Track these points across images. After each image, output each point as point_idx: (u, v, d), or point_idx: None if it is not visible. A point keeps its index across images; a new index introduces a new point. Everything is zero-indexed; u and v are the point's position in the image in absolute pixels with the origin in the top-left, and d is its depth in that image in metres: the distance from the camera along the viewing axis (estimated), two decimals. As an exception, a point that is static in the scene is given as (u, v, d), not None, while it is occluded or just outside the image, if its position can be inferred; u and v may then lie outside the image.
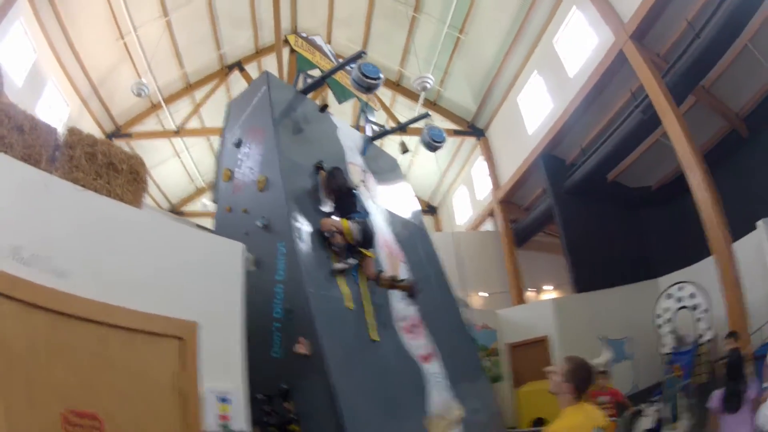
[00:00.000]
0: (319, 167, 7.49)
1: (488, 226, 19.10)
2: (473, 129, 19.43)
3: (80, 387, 3.42)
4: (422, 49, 17.87)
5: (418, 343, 6.92)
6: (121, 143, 18.74)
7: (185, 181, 24.08)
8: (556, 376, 3.78)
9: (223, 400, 4.39)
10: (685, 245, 12.30)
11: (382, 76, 8.00)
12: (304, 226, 6.55)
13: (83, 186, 4.18)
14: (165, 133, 19.82)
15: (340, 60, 9.67)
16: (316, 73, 9.37)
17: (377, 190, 8.79)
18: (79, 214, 3.86)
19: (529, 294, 17.49)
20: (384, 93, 19.46)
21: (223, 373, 4.50)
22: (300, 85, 9.05)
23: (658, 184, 14.42)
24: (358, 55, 8.35)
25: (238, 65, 20.20)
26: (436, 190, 23.94)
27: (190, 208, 24.46)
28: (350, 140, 9.14)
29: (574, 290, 14.00)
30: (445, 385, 6.73)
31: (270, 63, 19.11)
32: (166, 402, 4.00)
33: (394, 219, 8.61)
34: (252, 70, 20.20)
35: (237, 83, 20.13)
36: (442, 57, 17.72)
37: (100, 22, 15.82)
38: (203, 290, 4.58)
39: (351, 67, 8.47)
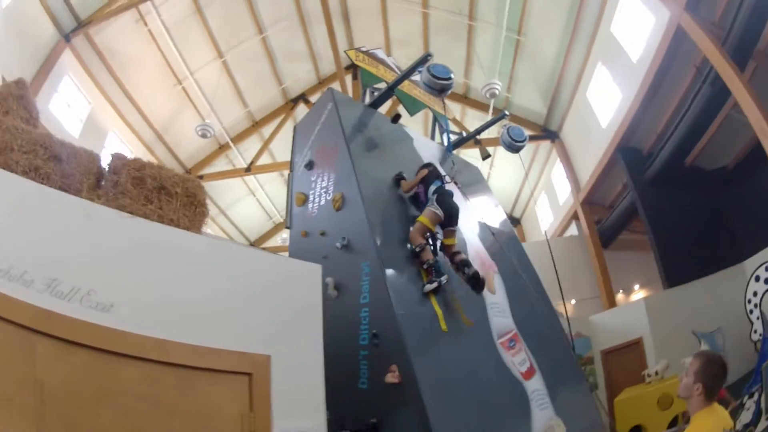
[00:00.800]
0: (399, 179, 7.19)
1: (573, 230, 18.61)
2: (547, 132, 19.19)
3: (125, 428, 3.11)
4: (484, 58, 17.88)
5: (519, 359, 6.38)
6: None
7: (263, 218, 24.77)
8: (686, 376, 3.46)
9: None
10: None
11: (453, 75, 7.85)
12: (387, 242, 6.19)
13: (130, 212, 3.86)
14: (236, 172, 20.41)
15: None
16: (382, 86, 9.17)
17: (464, 201, 8.15)
18: (125, 242, 3.53)
19: (620, 297, 16.89)
20: (453, 107, 19.42)
21: (301, 410, 3.97)
22: (367, 100, 9.03)
23: (734, 162, 13.68)
24: (425, 58, 8.18)
25: (302, 97, 20.65)
26: (517, 201, 23.68)
27: (269, 244, 25.03)
28: (428, 151, 8.81)
29: (665, 286, 13.44)
30: (547, 402, 6.26)
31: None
32: None
33: (483, 230, 8.22)
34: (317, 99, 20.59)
35: (303, 115, 20.41)
36: (505, 62, 17.61)
37: (153, 69, 16.66)
38: (276, 319, 4.10)
39: (420, 72, 8.28)
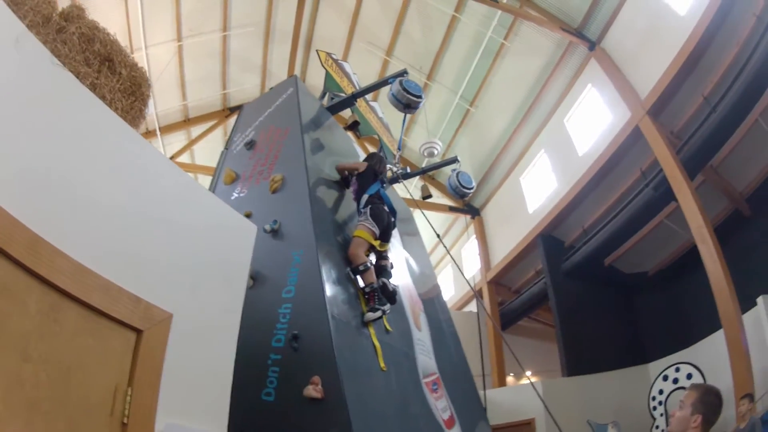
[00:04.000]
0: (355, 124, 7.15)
1: (472, 307, 18.61)
2: (469, 207, 19.32)
3: None
4: (431, 118, 17.90)
5: (441, 405, 5.82)
6: None
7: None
8: (679, 410, 3.16)
9: None
10: (678, 330, 12.25)
11: (423, 96, 7.67)
12: (326, 235, 5.57)
13: (63, 64, 2.90)
14: (155, 163, 19.37)
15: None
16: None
17: (398, 234, 7.76)
18: (46, 91, 2.63)
19: (510, 379, 16.93)
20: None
21: (198, 405, 2.94)
22: (325, 103, 8.69)
23: (655, 269, 14.19)
24: (401, 73, 7.79)
25: (240, 108, 20.05)
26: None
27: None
28: None
29: (564, 373, 13.54)
30: None
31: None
32: (102, 404, 2.40)
33: (412, 269, 7.84)
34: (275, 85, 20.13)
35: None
36: (449, 129, 17.83)
37: (113, 30, 15.58)
38: (191, 272, 3.15)
39: (390, 82, 7.73)
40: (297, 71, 18.88)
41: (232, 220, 3.82)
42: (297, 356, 4.43)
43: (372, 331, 5.19)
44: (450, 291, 20.86)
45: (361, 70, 18.06)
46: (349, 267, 5.48)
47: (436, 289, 8.63)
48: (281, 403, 4.26)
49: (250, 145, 7.50)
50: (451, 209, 19.33)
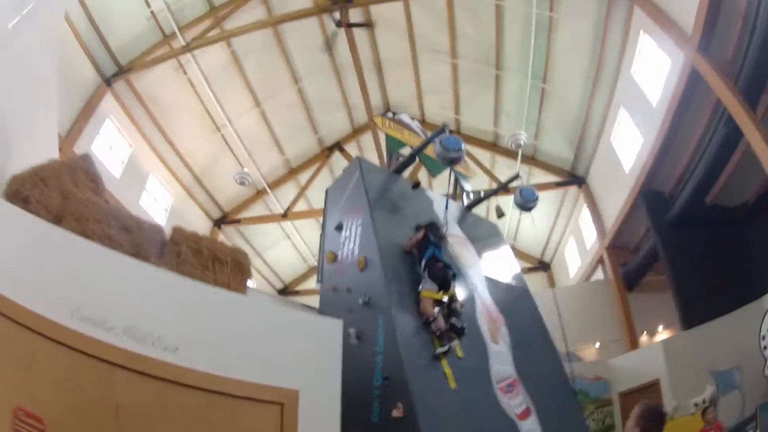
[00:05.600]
0: (419, 227, 7.94)
1: (599, 274, 18.28)
2: (574, 178, 18.95)
3: None
4: (512, 106, 17.94)
5: (515, 402, 7.06)
6: (229, 229, 20.07)
7: (297, 261, 24.87)
8: (630, 420, 4.13)
9: None
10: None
11: (463, 147, 8.31)
12: (401, 302, 7.01)
13: (190, 277, 4.94)
14: (273, 218, 20.65)
15: (428, 133, 10.15)
16: (407, 150, 9.96)
17: (477, 257, 9.20)
18: (187, 300, 4.63)
19: (644, 338, 16.47)
20: (482, 155, 19.51)
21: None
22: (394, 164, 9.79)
23: (755, 196, 13.19)
24: (441, 130, 8.74)
25: (338, 146, 20.95)
26: (547, 246, 23.37)
27: (303, 286, 25.14)
28: (447, 212, 9.36)
29: (684, 327, 13.08)
30: None
31: (368, 140, 19.78)
32: None
33: (495, 285, 8.89)
34: (351, 149, 20.97)
35: (338, 163, 20.88)
36: (532, 110, 17.57)
37: (193, 116, 17.16)
38: (305, 362, 5.09)
39: (433, 142, 8.77)
40: (376, 96, 19.52)
41: (323, 321, 5.91)
42: (389, 390, 6.21)
43: (444, 360, 6.65)
44: (577, 263, 20.59)
45: (433, 79, 18.56)
46: (423, 320, 6.94)
47: (524, 293, 9.53)
48: (383, 423, 6.06)
49: (339, 227, 8.70)
50: (558, 185, 19.06)
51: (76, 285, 4.00)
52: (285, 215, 20.24)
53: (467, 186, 11.01)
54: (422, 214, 8.70)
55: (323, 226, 9.56)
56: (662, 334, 16.14)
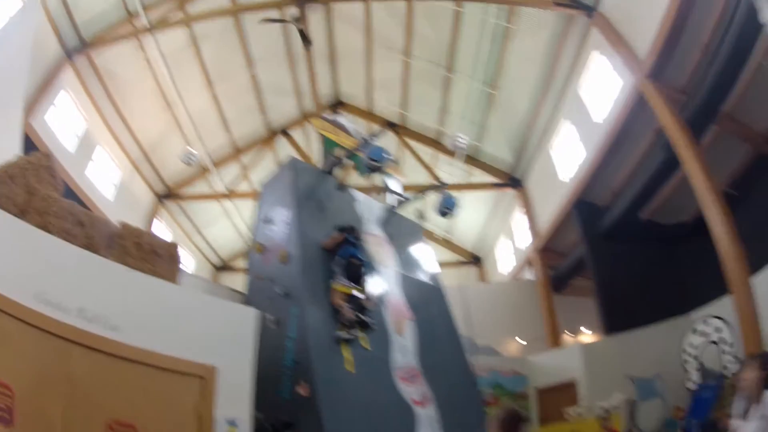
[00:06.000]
0: (341, 230, 8.72)
1: (529, 274, 19.02)
2: (511, 180, 19.59)
3: (125, 406, 4.93)
4: (458, 107, 18.31)
5: (413, 389, 7.94)
6: (172, 204, 20.10)
7: (236, 240, 24.73)
8: (491, 427, 4.85)
9: (232, 423, 5.74)
10: (719, 277, 11.85)
11: (385, 156, 9.30)
12: (314, 294, 7.86)
13: (133, 268, 5.71)
14: (215, 195, 20.54)
15: (366, 135, 10.78)
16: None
17: (394, 256, 10.05)
18: (129, 287, 5.47)
19: (567, 338, 17.29)
20: (424, 151, 19.92)
21: (234, 404, 5.83)
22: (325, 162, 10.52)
23: (693, 217, 13.82)
24: (367, 141, 9.73)
25: (284, 131, 20.98)
26: (481, 241, 24.04)
27: (240, 264, 25.04)
28: (369, 211, 10.48)
29: (605, 333, 13.88)
30: (437, 426, 7.74)
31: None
32: (188, 422, 5.42)
33: (408, 282, 9.81)
34: (297, 135, 20.96)
35: (283, 148, 21.17)
36: (478, 113, 18.04)
37: (147, 93, 17.02)
38: (223, 343, 6.02)
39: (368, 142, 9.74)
40: (327, 85, 19.63)
41: (241, 309, 6.79)
42: (297, 371, 7.09)
43: (345, 347, 7.54)
44: (508, 260, 21.34)
45: (385, 75, 18.74)
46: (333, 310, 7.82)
47: (438, 291, 10.53)
48: (292, 398, 6.94)
49: (268, 221, 9.55)
50: (495, 185, 19.67)
51: (38, 272, 4.72)
52: (228, 194, 20.21)
53: (396, 187, 11.41)
54: (347, 212, 9.63)
55: (256, 218, 10.24)
56: (585, 336, 16.96)
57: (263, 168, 20.17)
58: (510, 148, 18.80)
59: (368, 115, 21.04)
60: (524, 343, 17.00)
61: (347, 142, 10.40)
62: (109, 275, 5.36)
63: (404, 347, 8.47)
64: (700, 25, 11.02)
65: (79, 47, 14.52)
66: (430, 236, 23.69)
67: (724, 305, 10.63)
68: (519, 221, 19.86)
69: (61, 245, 5.09)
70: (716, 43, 10.45)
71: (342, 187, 10.07)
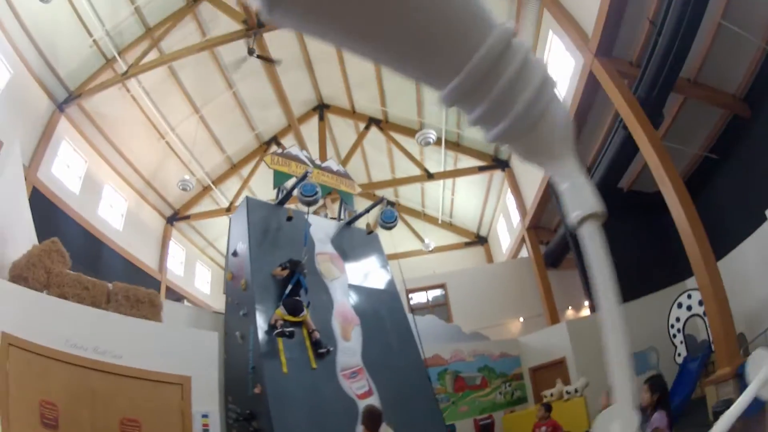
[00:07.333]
0: (282, 267, 9.41)
1: (525, 252, 18.59)
2: (498, 162, 19.13)
3: (130, 408, 6.87)
4: (433, 96, 17.63)
5: (357, 385, 8.93)
6: (182, 224, 20.69)
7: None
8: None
9: (205, 416, 7.71)
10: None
11: (318, 191, 10.43)
12: (267, 315, 8.88)
13: (125, 315, 7.64)
14: (219, 212, 20.49)
15: (316, 160, 12.44)
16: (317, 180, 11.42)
17: (344, 269, 10.76)
18: (126, 329, 7.40)
19: (569, 313, 16.87)
20: (409, 143, 19.48)
21: (205, 402, 7.86)
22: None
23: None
24: (303, 177, 10.47)
25: (275, 139, 20.84)
26: (481, 222, 23.68)
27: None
28: (322, 232, 11.09)
29: (594, 309, 13.40)
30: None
31: (304, 131, 19.48)
32: (174, 416, 7.40)
33: (357, 290, 10.59)
34: (288, 141, 20.72)
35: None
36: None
37: (139, 127, 17.25)
38: (195, 359, 7.99)
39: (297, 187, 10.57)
40: (309, 91, 19.49)
41: (207, 335, 8.69)
42: (255, 375, 8.31)
43: (281, 350, 8.56)
44: (507, 239, 20.89)
45: (360, 74, 18.41)
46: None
47: (389, 292, 11.22)
48: (253, 397, 8.15)
49: (234, 254, 10.35)
50: (480, 169, 19.21)
51: (64, 326, 6.63)
52: (229, 209, 20.13)
53: (350, 205, 12.35)
54: (299, 239, 10.21)
55: (227, 250, 10.98)
56: (587, 309, 16.54)
57: (261, 177, 19.95)
58: (489, 130, 18.22)
59: (352, 114, 20.75)
60: (521, 321, 16.70)
61: (299, 171, 11.16)
62: (111, 321, 7.31)
63: (350, 349, 9.44)
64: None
65: (68, 98, 14.86)
66: (434, 222, 23.54)
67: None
68: (511, 201, 19.38)
69: (76, 307, 7.07)
70: (663, 12, 9.75)
71: (290, 218, 10.37)
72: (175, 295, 20.10)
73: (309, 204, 10.46)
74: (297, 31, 0.87)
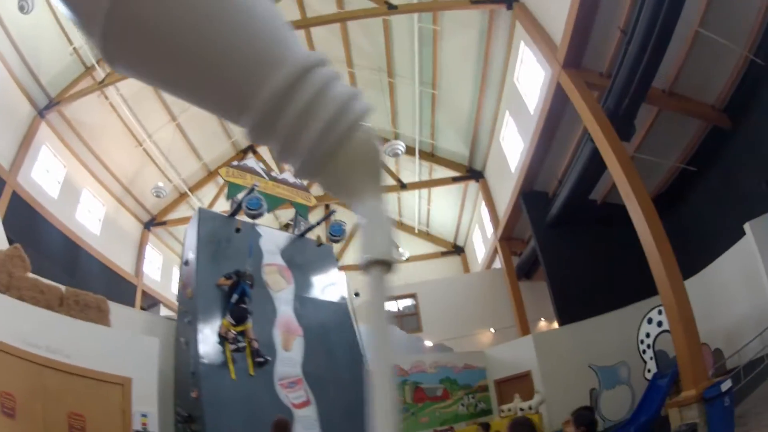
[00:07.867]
0: (227, 277, 9.56)
1: (498, 263, 18.37)
2: (472, 172, 18.89)
3: (77, 403, 7.07)
4: (406, 109, 17.84)
5: (294, 395, 9.17)
6: (159, 230, 20.64)
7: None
8: None
9: (144, 415, 7.89)
10: (682, 256, 10.00)
11: (263, 205, 10.60)
12: (210, 323, 9.11)
13: (75, 318, 7.92)
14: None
15: (272, 173, 12.36)
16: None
17: (291, 281, 10.76)
18: (75, 330, 7.65)
19: (542, 324, 16.65)
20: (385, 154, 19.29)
21: (144, 402, 7.97)
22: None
23: (652, 194, 11.60)
24: (251, 190, 10.65)
25: (251, 148, 20.64)
26: (458, 232, 23.46)
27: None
28: (272, 244, 11.07)
29: (561, 322, 13.20)
30: (315, 426, 9.06)
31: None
32: (116, 414, 7.56)
33: (303, 301, 10.64)
34: (263, 150, 20.57)
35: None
36: (425, 113, 17.54)
37: (117, 134, 17.24)
38: (136, 362, 8.11)
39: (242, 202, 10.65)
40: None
41: (146, 341, 8.70)
42: (194, 379, 8.51)
43: (230, 358, 8.84)
44: (481, 251, 20.70)
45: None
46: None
47: (338, 303, 11.32)
48: (194, 399, 8.35)
49: (186, 263, 10.42)
50: (454, 179, 19.00)
51: (21, 325, 6.93)
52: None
53: (304, 217, 12.33)
54: (246, 250, 10.25)
55: (181, 259, 11.13)
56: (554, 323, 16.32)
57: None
58: (463, 142, 18.11)
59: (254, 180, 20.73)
60: (492, 331, 16.52)
61: (251, 181, 11.12)
62: (62, 324, 7.58)
63: (290, 359, 9.64)
64: (614, 5, 10.29)
65: (48, 105, 14.82)
66: (411, 231, 23.35)
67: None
68: (485, 212, 19.17)
69: (32, 308, 7.37)
70: (633, 20, 9.42)
71: (238, 230, 10.45)
72: (152, 300, 19.89)
73: (253, 217, 10.62)
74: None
